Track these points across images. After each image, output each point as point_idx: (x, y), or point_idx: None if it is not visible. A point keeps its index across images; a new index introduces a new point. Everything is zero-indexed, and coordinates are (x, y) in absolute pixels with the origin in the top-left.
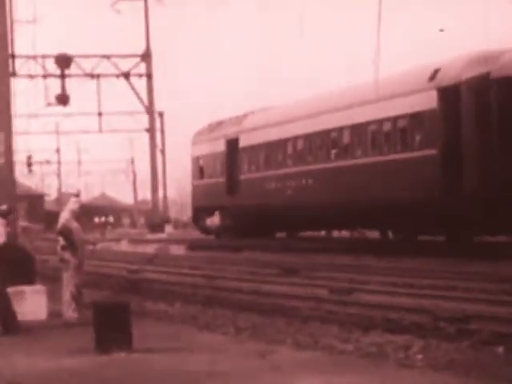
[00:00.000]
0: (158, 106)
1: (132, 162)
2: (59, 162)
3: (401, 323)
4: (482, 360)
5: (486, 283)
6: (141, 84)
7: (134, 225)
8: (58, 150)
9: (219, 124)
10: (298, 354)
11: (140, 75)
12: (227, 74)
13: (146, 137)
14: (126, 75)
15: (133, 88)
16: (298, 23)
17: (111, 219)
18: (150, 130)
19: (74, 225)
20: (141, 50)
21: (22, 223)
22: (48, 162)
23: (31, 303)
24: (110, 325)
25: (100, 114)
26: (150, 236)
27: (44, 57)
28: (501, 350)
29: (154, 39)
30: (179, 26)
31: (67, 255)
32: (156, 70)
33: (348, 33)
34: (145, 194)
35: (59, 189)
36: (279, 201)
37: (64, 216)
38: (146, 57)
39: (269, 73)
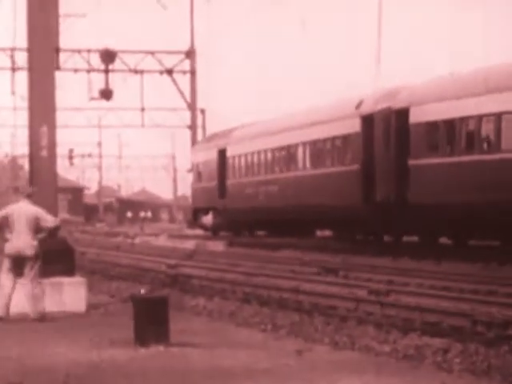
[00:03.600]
0: (200, 103)
1: (173, 157)
2: (100, 156)
3: (439, 326)
4: None
5: None
6: (184, 80)
7: (172, 220)
8: (99, 144)
9: (214, 135)
10: (335, 353)
11: (184, 72)
12: (271, 73)
13: (187, 133)
14: (170, 71)
15: (176, 84)
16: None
17: (149, 214)
18: (192, 127)
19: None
20: (185, 46)
21: (63, 215)
22: (89, 155)
23: (70, 295)
24: (149, 318)
25: (143, 110)
26: (188, 231)
27: (89, 51)
28: None
29: (198, 36)
30: (225, 25)
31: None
32: (199, 67)
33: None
34: (185, 189)
35: (100, 182)
36: (255, 204)
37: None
38: (191, 53)
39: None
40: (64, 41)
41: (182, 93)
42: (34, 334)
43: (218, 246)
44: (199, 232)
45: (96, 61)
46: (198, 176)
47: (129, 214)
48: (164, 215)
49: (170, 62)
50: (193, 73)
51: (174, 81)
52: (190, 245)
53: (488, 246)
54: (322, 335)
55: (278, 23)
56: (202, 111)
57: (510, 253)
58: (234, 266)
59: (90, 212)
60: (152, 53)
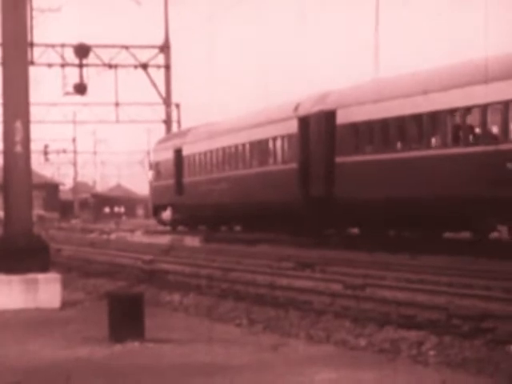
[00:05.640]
0: (176, 97)
1: (148, 153)
2: (75, 152)
3: (415, 319)
4: (495, 359)
5: (503, 282)
6: (159, 75)
7: (148, 216)
8: (74, 140)
9: (171, 136)
10: (311, 347)
11: (158, 66)
12: (243, 67)
13: (162, 128)
14: (144, 66)
15: (150, 79)
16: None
17: (122, 210)
18: (167, 122)
19: None
20: (160, 41)
21: (38, 212)
22: (64, 151)
23: (45, 291)
24: (124, 314)
25: (117, 105)
26: (163, 227)
27: (63, 46)
28: None
29: (173, 31)
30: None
31: None
32: (174, 62)
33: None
34: None
35: (75, 178)
36: (209, 201)
37: None
38: (165, 48)
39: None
40: (38, 35)
41: (156, 87)
42: (7, 332)
43: (193, 241)
44: (178, 227)
45: (70, 55)
46: (158, 174)
47: (105, 210)
48: (140, 211)
49: (144, 56)
50: (167, 67)
51: (148, 75)
52: (165, 240)
53: (463, 239)
54: (297, 330)
55: (258, 17)
56: (177, 106)
57: (485, 246)
58: (210, 261)
59: (65, 208)
60: (126, 47)
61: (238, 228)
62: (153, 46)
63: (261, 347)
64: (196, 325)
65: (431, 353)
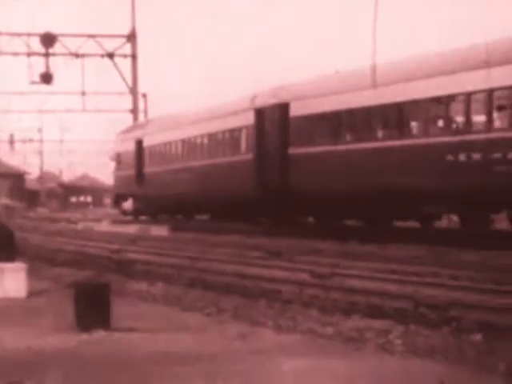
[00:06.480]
0: (143, 87)
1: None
2: (42, 141)
3: (382, 309)
4: (461, 347)
5: (470, 271)
6: (126, 65)
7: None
8: (40, 129)
9: (133, 127)
10: (279, 336)
11: (125, 56)
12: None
13: (129, 117)
14: (111, 55)
15: (117, 68)
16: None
17: (89, 199)
18: (134, 111)
19: None
20: (126, 30)
21: (4, 201)
22: (31, 140)
23: (11, 281)
24: (90, 304)
25: (83, 94)
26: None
27: (29, 35)
28: (479, 337)
29: (140, 20)
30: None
31: None
32: (141, 52)
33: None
34: None
35: (41, 167)
36: (169, 191)
37: None
38: (132, 37)
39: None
40: (3, 24)
41: (123, 77)
42: None
43: (161, 230)
44: (142, 217)
45: (36, 44)
46: (119, 164)
47: (72, 200)
48: (107, 200)
49: (111, 45)
50: (134, 57)
51: (115, 65)
52: (133, 230)
53: (433, 228)
54: (265, 318)
55: (226, 7)
56: (144, 95)
57: (453, 235)
58: (179, 250)
59: (31, 198)
60: (93, 36)
61: (206, 218)
62: (120, 36)
63: (229, 336)
64: (164, 314)
65: (398, 341)
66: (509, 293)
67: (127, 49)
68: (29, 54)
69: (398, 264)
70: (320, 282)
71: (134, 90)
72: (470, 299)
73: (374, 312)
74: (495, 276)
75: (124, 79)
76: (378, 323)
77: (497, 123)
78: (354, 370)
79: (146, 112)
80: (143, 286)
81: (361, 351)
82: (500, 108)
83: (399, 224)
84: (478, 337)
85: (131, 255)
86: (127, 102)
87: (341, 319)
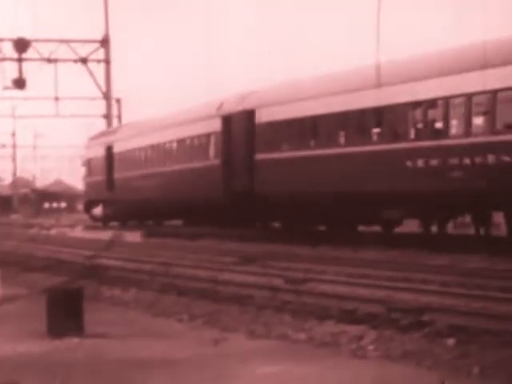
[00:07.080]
0: (117, 92)
1: None
2: (14, 146)
3: (355, 314)
4: (434, 351)
5: (442, 275)
6: (99, 70)
7: None
8: (13, 134)
9: (103, 133)
10: (252, 342)
11: (98, 61)
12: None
13: (103, 123)
14: (84, 60)
15: (90, 73)
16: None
17: (63, 205)
18: (108, 116)
19: None
20: (100, 35)
21: None
22: (3, 145)
23: None
24: (63, 310)
25: (57, 99)
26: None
27: (1, 40)
28: (452, 341)
29: (113, 25)
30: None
31: None
32: (114, 57)
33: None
34: None
35: (14, 173)
36: (138, 197)
37: None
38: (105, 43)
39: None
40: None
41: (96, 82)
42: None
43: (134, 236)
44: (115, 223)
45: (9, 49)
46: (90, 170)
47: (45, 205)
48: (80, 206)
49: (84, 51)
50: (107, 62)
51: (88, 70)
52: (106, 236)
53: (406, 233)
54: (238, 324)
55: (200, 11)
56: (118, 101)
57: (428, 239)
58: (152, 256)
59: (4, 204)
60: (66, 41)
61: (179, 223)
62: (93, 41)
63: (202, 342)
64: (136, 320)
65: (371, 347)
66: (481, 297)
67: (101, 54)
68: (1, 59)
69: (370, 268)
70: (293, 287)
71: (107, 96)
72: (443, 303)
73: (347, 317)
74: (465, 280)
75: (97, 84)
76: (352, 328)
77: (453, 130)
78: (328, 375)
79: (120, 117)
80: (116, 291)
81: (334, 357)
82: (457, 115)
83: (372, 228)
84: (451, 341)
85: (104, 261)
86: (101, 108)
87: (314, 324)
